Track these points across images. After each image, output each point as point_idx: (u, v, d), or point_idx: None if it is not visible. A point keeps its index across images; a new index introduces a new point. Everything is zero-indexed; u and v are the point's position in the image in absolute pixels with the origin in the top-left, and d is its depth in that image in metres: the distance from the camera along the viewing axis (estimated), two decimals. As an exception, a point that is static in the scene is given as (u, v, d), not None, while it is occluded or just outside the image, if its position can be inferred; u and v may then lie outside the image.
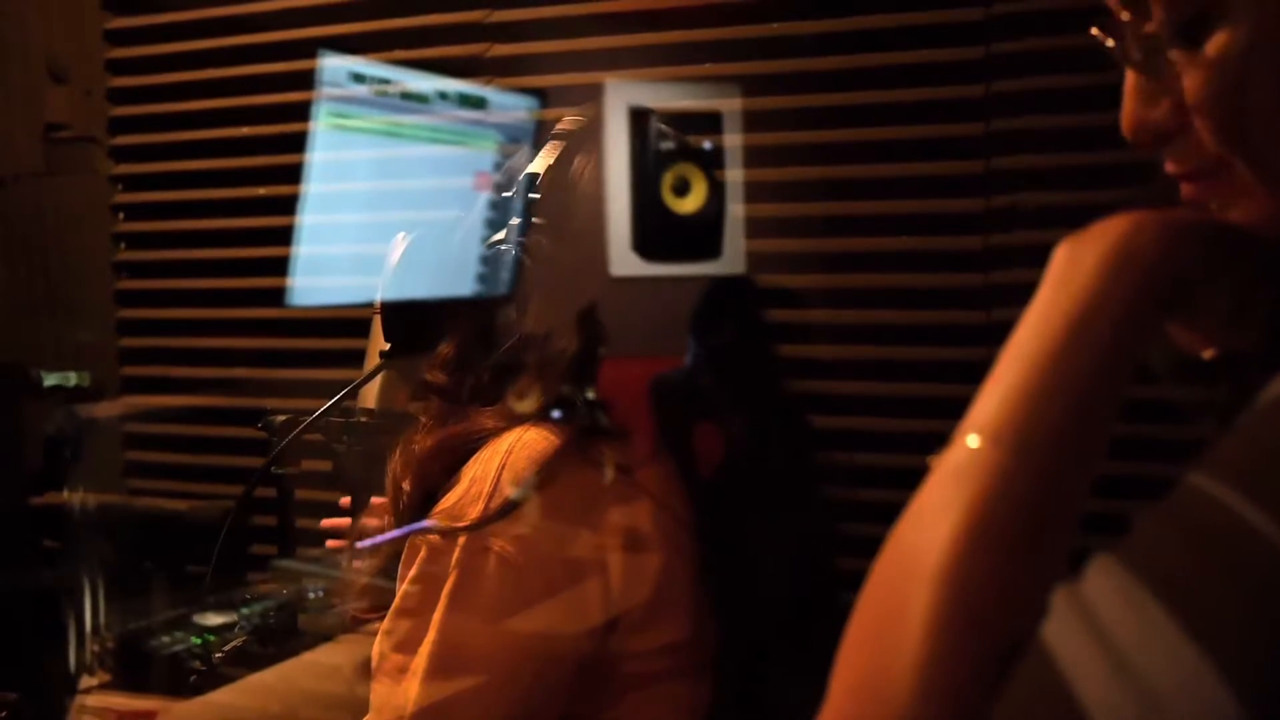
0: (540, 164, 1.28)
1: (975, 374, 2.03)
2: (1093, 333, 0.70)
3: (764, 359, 1.36)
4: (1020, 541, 0.65)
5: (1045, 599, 0.64)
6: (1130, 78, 0.77)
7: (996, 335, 2.06)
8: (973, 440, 0.69)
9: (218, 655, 1.73)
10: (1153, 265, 0.71)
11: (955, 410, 2.05)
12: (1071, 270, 0.73)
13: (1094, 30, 0.77)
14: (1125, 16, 0.74)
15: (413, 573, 1.20)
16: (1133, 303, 0.70)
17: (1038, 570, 0.65)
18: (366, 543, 1.79)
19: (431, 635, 1.16)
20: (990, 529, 0.65)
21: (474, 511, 1.16)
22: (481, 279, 1.30)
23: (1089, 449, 0.69)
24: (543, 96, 1.45)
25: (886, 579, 0.68)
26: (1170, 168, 0.77)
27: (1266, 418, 0.61)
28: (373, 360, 1.66)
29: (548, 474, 1.17)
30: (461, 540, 1.17)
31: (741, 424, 1.31)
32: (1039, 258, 1.96)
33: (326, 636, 1.82)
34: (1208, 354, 0.80)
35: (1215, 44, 0.69)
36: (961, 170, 1.95)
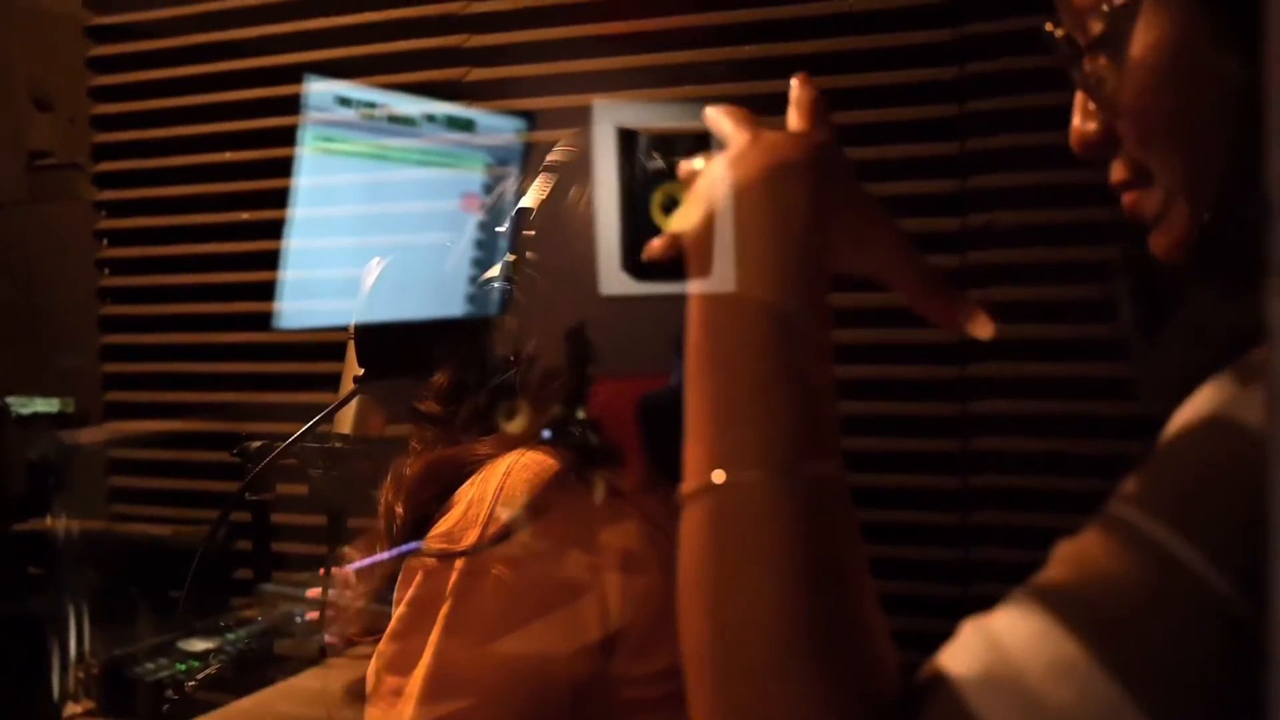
0: (532, 198, 1.29)
1: (953, 391, 2.09)
2: (780, 323, 0.69)
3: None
4: (834, 565, 0.65)
5: (873, 602, 0.65)
6: (1078, 93, 0.79)
7: (973, 353, 2.08)
8: (720, 476, 0.68)
9: (190, 684, 1.72)
10: (795, 214, 0.72)
11: (936, 428, 2.09)
12: (726, 262, 0.72)
13: (1050, 52, 0.79)
14: (1059, 34, 0.76)
15: (409, 595, 1.20)
16: (797, 271, 0.71)
17: (858, 580, 0.66)
18: (358, 564, 1.80)
19: (427, 658, 1.15)
20: (804, 567, 0.64)
21: (471, 535, 1.16)
22: (474, 310, 1.31)
23: (829, 436, 0.69)
24: (530, 118, 1.46)
25: (726, 658, 0.66)
26: (1112, 178, 0.78)
27: (1188, 443, 0.61)
28: (347, 385, 1.66)
29: (545, 498, 1.16)
30: (458, 564, 1.16)
31: None
32: (1016, 275, 2.01)
33: (311, 661, 1.82)
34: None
35: (1127, 46, 0.70)
36: (938, 189, 1.98)
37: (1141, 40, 0.70)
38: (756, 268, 0.70)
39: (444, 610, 1.16)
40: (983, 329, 0.78)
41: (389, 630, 1.20)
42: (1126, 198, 0.77)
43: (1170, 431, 0.62)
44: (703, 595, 0.69)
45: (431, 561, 1.18)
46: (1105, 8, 0.71)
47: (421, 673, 1.16)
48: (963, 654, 0.59)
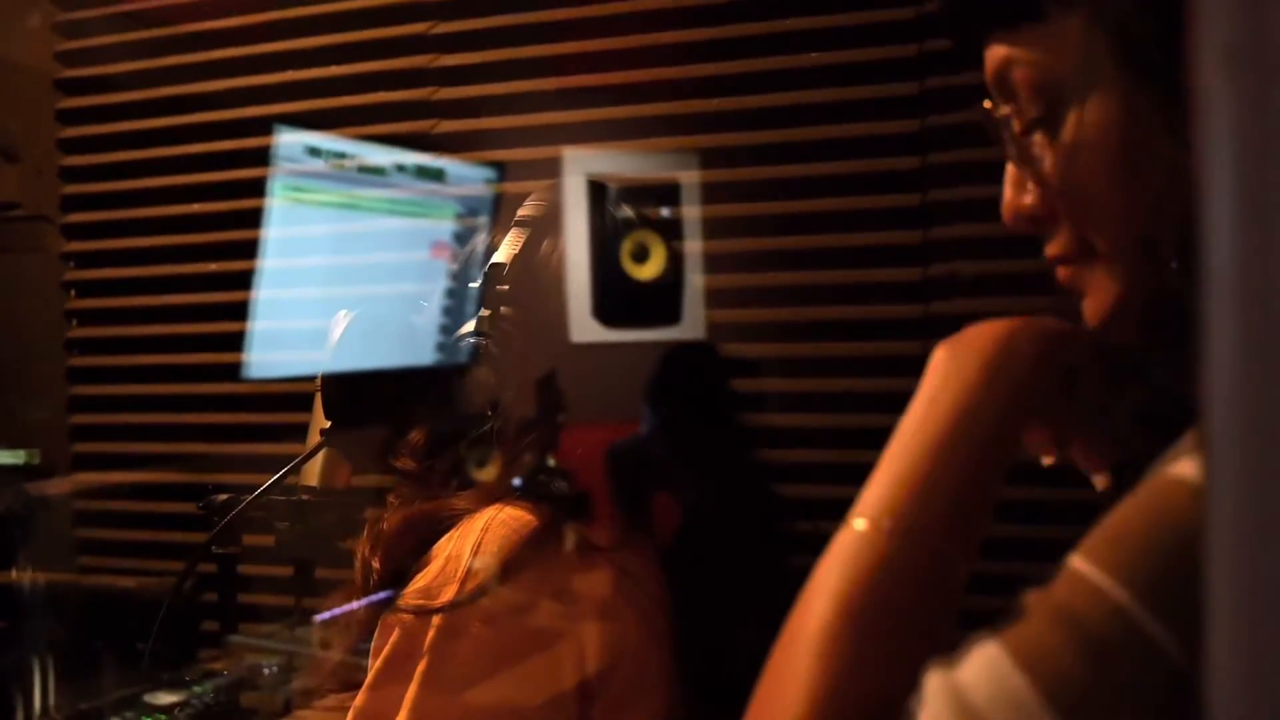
0: (504, 253, 1.30)
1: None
2: (971, 433, 0.74)
3: (720, 426, 1.37)
4: (898, 620, 0.69)
5: (919, 673, 0.66)
6: (1010, 166, 0.81)
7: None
8: (859, 524, 0.72)
9: (160, 739, 1.72)
10: (1024, 373, 0.76)
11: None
12: (952, 373, 0.77)
13: (983, 123, 0.81)
14: (1002, 109, 0.79)
15: (385, 651, 1.20)
16: (1006, 408, 0.75)
17: (916, 649, 0.67)
18: (324, 615, 1.79)
19: (404, 715, 1.16)
20: (869, 605, 0.68)
21: (448, 592, 1.16)
22: (449, 365, 1.32)
23: (966, 534, 0.73)
24: (500, 168, 1.47)
25: (779, 650, 0.71)
26: (1048, 252, 0.81)
27: (1141, 503, 0.64)
28: (314, 438, 1.66)
29: (522, 554, 1.17)
30: (435, 620, 1.17)
31: (697, 492, 1.31)
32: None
33: (278, 714, 1.81)
34: (1048, 460, 0.85)
35: (1068, 127, 0.73)
36: (900, 240, 2.00)
37: (1082, 121, 0.73)
38: (975, 410, 0.75)
39: (421, 667, 1.16)
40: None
41: (365, 686, 1.20)
42: (1061, 271, 0.80)
43: (1134, 490, 0.65)
44: (795, 610, 0.73)
45: (408, 617, 1.19)
46: (1043, 89, 0.74)
47: None
48: (932, 711, 0.62)
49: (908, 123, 2.01)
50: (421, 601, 1.18)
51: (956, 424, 0.74)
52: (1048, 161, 0.76)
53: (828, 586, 0.70)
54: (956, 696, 0.61)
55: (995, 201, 1.95)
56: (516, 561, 1.17)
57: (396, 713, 1.16)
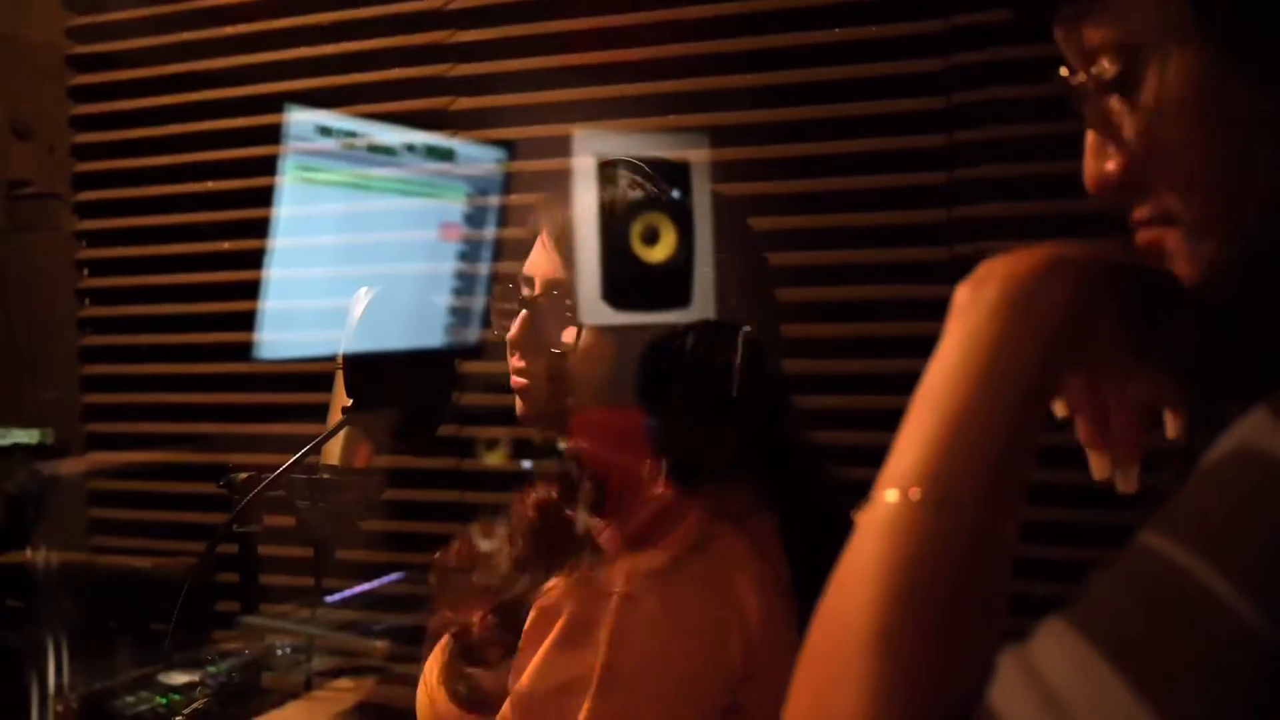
0: None
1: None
2: (1003, 386, 0.69)
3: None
4: (951, 598, 0.64)
5: (986, 654, 0.62)
6: (1090, 134, 0.77)
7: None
8: (892, 495, 0.67)
9: (178, 717, 1.71)
10: (1053, 305, 0.71)
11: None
12: (974, 315, 0.72)
13: (1059, 90, 0.78)
14: (1078, 74, 0.75)
15: (553, 636, 1.19)
16: (1038, 346, 0.70)
17: (973, 626, 0.64)
18: (334, 598, 1.78)
19: (588, 705, 1.15)
20: (919, 588, 0.64)
21: (618, 577, 1.17)
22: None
23: (1009, 496, 0.68)
24: (510, 147, 1.45)
25: (822, 645, 0.67)
26: (1134, 218, 0.77)
27: (1220, 473, 0.60)
28: (335, 416, 1.65)
29: (689, 540, 1.18)
30: (613, 606, 1.16)
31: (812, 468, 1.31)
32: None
33: (294, 694, 1.81)
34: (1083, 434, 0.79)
35: (1148, 89, 0.70)
36: (926, 219, 1.98)
37: (1162, 82, 0.69)
38: (1006, 359, 0.70)
39: (601, 660, 1.15)
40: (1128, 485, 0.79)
41: (529, 671, 1.19)
42: (1144, 234, 0.76)
43: (1205, 463, 0.62)
44: (830, 597, 0.68)
45: (570, 603, 1.18)
46: (1120, 50, 0.71)
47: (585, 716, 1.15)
48: (1015, 699, 0.59)
49: (934, 100, 1.97)
50: (588, 588, 1.17)
51: (987, 377, 0.69)
52: (1128, 125, 0.72)
53: (866, 571, 0.65)
54: (1029, 670, 0.59)
55: (1021, 179, 1.93)
56: (684, 546, 1.17)
57: (566, 696, 1.16)
